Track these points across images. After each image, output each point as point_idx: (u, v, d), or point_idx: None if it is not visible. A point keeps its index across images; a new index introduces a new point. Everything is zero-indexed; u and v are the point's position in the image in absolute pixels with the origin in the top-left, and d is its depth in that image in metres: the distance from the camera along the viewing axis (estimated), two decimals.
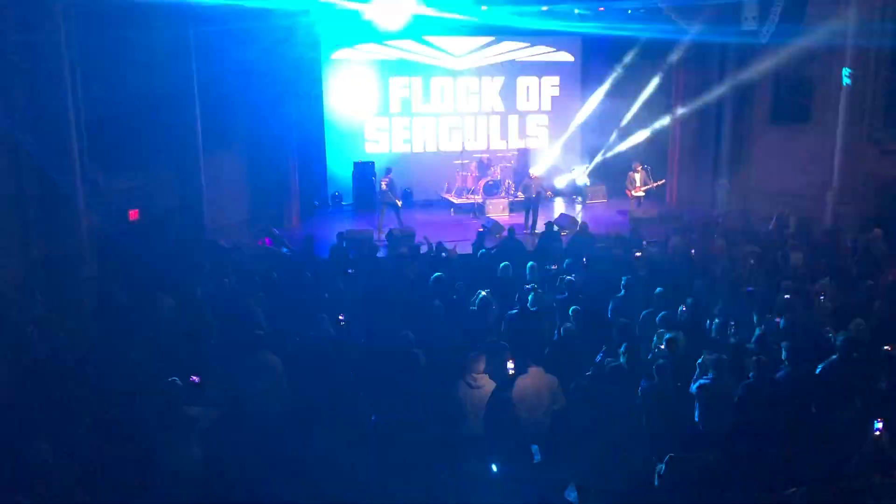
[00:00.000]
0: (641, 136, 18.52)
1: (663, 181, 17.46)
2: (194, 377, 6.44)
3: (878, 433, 5.29)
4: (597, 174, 19.97)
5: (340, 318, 8.66)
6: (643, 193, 16.99)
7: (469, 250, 12.94)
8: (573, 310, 8.69)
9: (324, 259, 12.39)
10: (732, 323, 8.40)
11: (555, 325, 8.72)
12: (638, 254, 11.65)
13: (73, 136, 9.77)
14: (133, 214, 11.65)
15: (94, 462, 6.13)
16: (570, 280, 10.24)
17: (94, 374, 7.40)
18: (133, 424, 6.47)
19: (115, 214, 11.19)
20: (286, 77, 16.27)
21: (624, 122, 18.98)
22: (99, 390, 7.17)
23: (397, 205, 16.43)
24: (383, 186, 16.31)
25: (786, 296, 9.19)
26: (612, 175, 19.14)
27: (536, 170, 18.11)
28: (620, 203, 18.05)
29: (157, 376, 6.60)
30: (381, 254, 13.27)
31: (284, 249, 13.92)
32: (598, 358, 7.85)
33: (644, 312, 8.97)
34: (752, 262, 10.88)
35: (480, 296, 9.37)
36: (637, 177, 16.99)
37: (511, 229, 13.80)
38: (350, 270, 10.72)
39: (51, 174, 9.60)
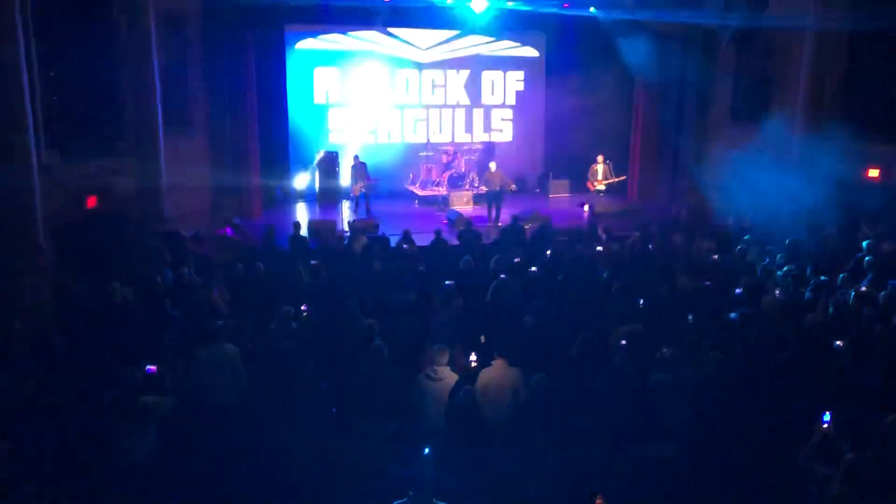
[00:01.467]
0: (601, 130, 18.72)
1: (625, 177, 17.64)
2: (151, 367, 6.36)
3: (825, 425, 5.44)
4: (561, 168, 20.11)
5: (304, 308, 8.62)
6: (604, 187, 17.15)
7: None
8: (535, 304, 8.77)
9: (285, 249, 12.29)
10: (690, 317, 8.53)
11: (518, 317, 8.78)
12: (599, 248, 11.77)
13: (29, 120, 9.54)
14: (91, 202, 11.43)
15: (50, 451, 6.05)
16: (534, 273, 10.35)
17: (48, 363, 7.28)
18: (89, 413, 6.38)
19: (71, 201, 10.97)
20: (249, 65, 16.09)
21: (586, 116, 19.12)
22: (54, 380, 7.06)
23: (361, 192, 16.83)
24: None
25: (738, 291, 9.39)
26: (574, 169, 19.29)
27: (496, 163, 18.13)
28: (583, 197, 18.19)
29: (115, 366, 6.52)
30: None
31: (247, 241, 13.80)
32: (560, 350, 7.97)
33: (604, 306, 9.09)
34: (714, 256, 11.06)
35: (445, 287, 9.41)
36: (599, 169, 17.14)
37: (469, 221, 13.84)
38: (313, 262, 10.66)
39: (4, 159, 9.37)
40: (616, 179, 17.23)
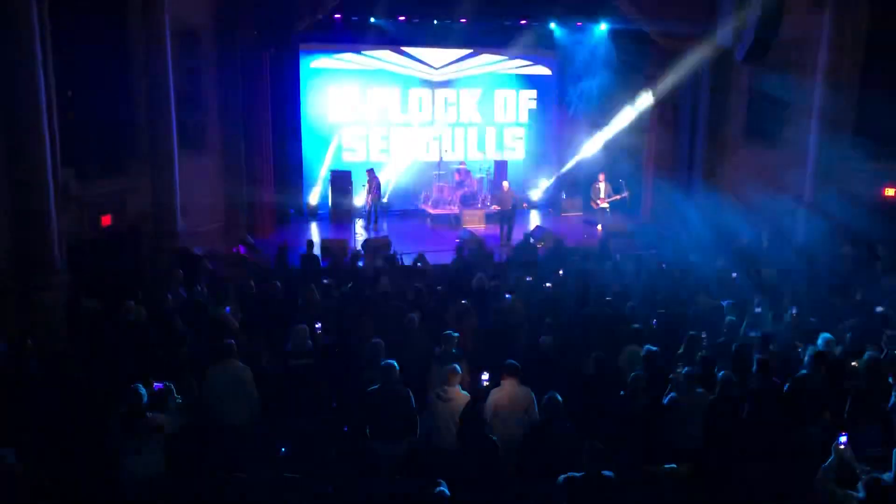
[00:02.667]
0: (614, 148, 18.76)
1: (627, 194, 17.49)
2: (158, 384, 6.35)
3: (842, 446, 5.36)
4: (572, 187, 20.10)
5: (317, 326, 8.62)
6: (607, 205, 17.10)
7: (445, 261, 12.98)
8: (548, 322, 8.72)
9: (298, 268, 12.31)
10: (703, 335, 8.46)
11: (529, 336, 8.73)
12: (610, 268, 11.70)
13: (45, 139, 9.63)
14: (106, 220, 11.52)
15: (59, 468, 6.05)
16: (548, 291, 10.31)
17: (62, 381, 7.30)
18: (97, 431, 6.37)
19: (87, 220, 11.04)
20: (264, 84, 16.23)
21: (599, 135, 19.16)
22: (67, 397, 7.07)
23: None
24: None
25: (757, 310, 9.30)
26: (587, 187, 19.25)
27: (508, 182, 18.18)
28: (591, 216, 18.13)
29: (126, 384, 6.51)
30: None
31: (260, 259, 13.86)
32: (572, 369, 7.91)
33: (617, 325, 9.03)
34: (734, 275, 10.97)
35: (457, 306, 9.39)
36: (601, 188, 17.11)
37: (481, 240, 13.83)
38: (325, 280, 10.67)
39: (21, 178, 9.46)
40: (617, 197, 17.16)
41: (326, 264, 12.53)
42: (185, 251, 12.39)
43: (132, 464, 6.05)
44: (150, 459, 6.08)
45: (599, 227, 16.89)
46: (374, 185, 17.51)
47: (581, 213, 19.43)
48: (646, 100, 17.94)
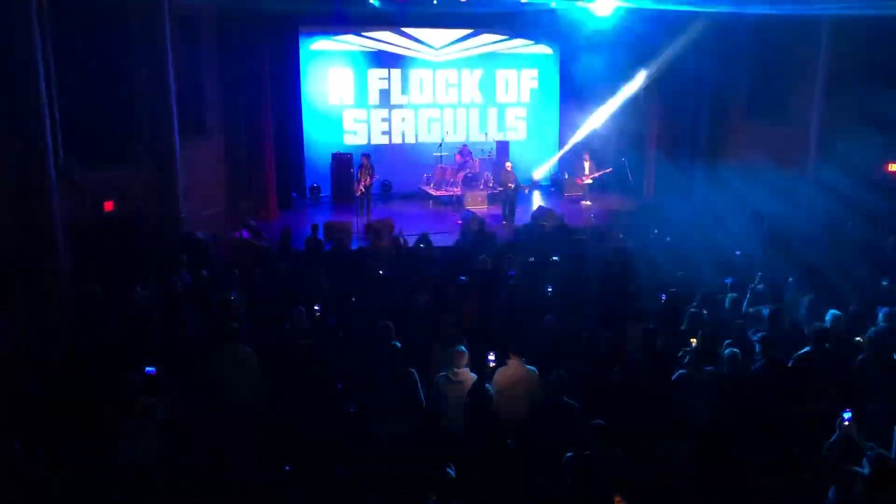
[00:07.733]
0: (616, 127, 18.79)
1: (610, 169, 17.98)
2: (150, 369, 6.33)
3: (847, 423, 5.37)
4: (575, 166, 20.03)
5: (315, 308, 8.63)
6: (591, 181, 17.42)
7: (448, 242, 12.98)
8: (552, 302, 8.72)
9: (301, 251, 12.31)
10: (705, 312, 8.45)
11: (535, 316, 8.73)
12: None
13: (48, 127, 9.62)
14: (108, 206, 11.52)
15: (62, 454, 6.07)
16: (551, 271, 10.31)
17: (67, 365, 7.34)
18: (93, 416, 6.38)
19: (90, 206, 11.06)
20: (264, 67, 16.16)
21: (601, 114, 19.07)
22: (71, 381, 7.10)
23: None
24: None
25: (758, 286, 9.29)
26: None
27: (510, 163, 18.15)
28: (597, 197, 18.14)
29: (126, 368, 6.50)
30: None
31: (263, 243, 13.87)
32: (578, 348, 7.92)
33: (623, 303, 9.03)
34: (737, 252, 10.95)
35: (459, 284, 9.40)
36: (586, 165, 17.41)
37: (482, 221, 13.83)
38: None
39: (23, 165, 9.46)
40: (600, 172, 17.73)
41: (330, 247, 12.51)
42: (188, 236, 12.40)
43: (127, 448, 6.03)
44: (144, 444, 6.05)
45: (588, 202, 17.14)
46: (369, 170, 16.83)
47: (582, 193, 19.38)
48: (648, 76, 17.84)
